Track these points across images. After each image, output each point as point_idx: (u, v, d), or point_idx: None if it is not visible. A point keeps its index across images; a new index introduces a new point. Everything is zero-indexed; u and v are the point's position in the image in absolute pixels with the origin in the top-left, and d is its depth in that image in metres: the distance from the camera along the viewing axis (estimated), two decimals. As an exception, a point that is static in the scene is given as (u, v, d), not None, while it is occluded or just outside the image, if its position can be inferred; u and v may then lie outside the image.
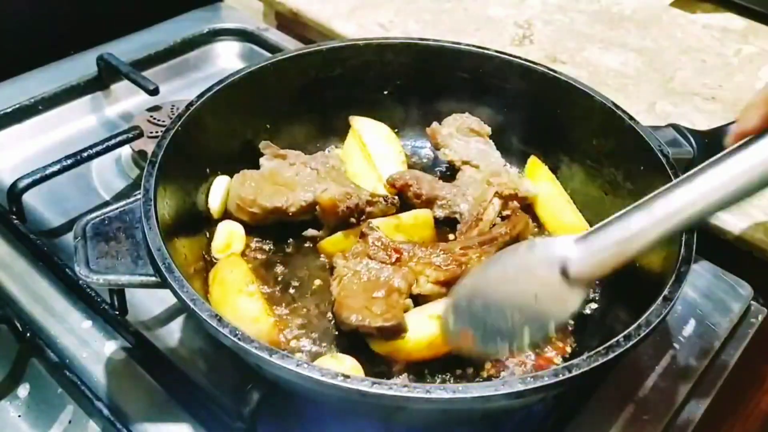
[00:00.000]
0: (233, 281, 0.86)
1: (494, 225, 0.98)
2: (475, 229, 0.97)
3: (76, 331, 0.90)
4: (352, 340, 0.85)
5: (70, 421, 0.84)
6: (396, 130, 1.15)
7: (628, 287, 0.89)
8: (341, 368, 0.80)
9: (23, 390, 0.88)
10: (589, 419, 0.85)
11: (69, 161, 1.05)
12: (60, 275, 0.95)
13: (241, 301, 0.84)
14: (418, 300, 0.88)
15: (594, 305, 0.93)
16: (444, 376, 0.84)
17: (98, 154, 1.08)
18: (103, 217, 0.82)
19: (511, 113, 1.09)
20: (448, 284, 0.87)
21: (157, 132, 1.15)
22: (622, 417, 0.85)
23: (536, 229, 1.03)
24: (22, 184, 1.01)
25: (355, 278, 0.86)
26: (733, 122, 0.93)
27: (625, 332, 0.70)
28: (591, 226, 1.00)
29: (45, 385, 0.87)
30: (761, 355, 1.05)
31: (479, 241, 0.92)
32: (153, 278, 0.76)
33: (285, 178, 0.99)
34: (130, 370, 0.86)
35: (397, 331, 0.80)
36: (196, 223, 0.95)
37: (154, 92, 1.20)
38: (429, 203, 1.01)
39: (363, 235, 0.90)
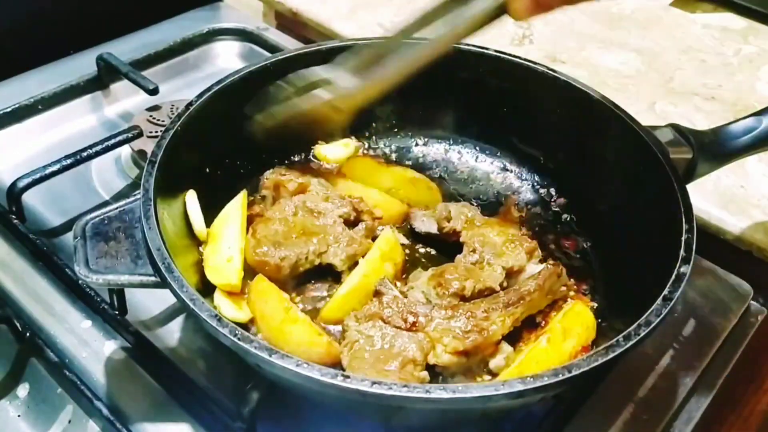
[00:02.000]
0: (272, 313, 0.83)
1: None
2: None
3: (75, 330, 0.90)
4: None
5: (69, 421, 0.84)
6: (395, 130, 1.15)
7: (628, 287, 0.89)
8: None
9: (23, 390, 0.88)
10: (589, 419, 0.85)
11: (69, 161, 1.05)
12: (60, 275, 0.95)
13: (289, 331, 0.82)
14: (435, 370, 0.82)
15: (594, 305, 0.93)
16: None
17: (98, 153, 1.08)
18: (102, 216, 0.82)
19: (511, 113, 1.09)
20: (467, 354, 0.81)
21: (156, 132, 1.15)
22: (622, 417, 0.85)
23: (571, 280, 0.94)
24: (21, 183, 1.01)
25: (367, 345, 0.79)
26: (733, 122, 0.94)
27: (625, 332, 0.70)
28: (589, 225, 1.01)
29: (45, 384, 0.87)
30: (761, 355, 1.05)
31: (505, 301, 0.84)
32: (153, 278, 0.76)
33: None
34: (129, 369, 0.86)
35: None
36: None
37: (153, 92, 1.20)
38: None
39: (377, 294, 0.84)
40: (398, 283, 0.89)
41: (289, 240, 0.91)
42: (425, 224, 1.00)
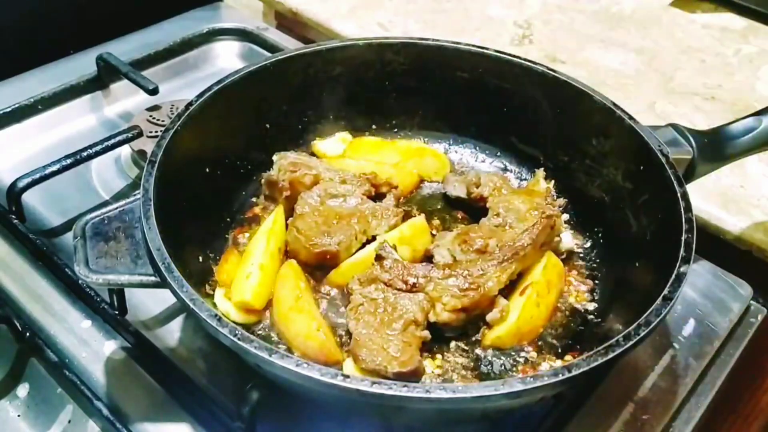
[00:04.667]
0: (284, 297, 0.86)
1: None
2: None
3: (75, 330, 0.90)
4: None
5: (69, 421, 0.84)
6: (395, 130, 1.15)
7: (628, 287, 0.89)
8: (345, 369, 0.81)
9: (23, 390, 0.88)
10: (589, 419, 0.85)
11: (68, 161, 1.05)
12: (59, 275, 0.95)
13: (293, 318, 0.84)
14: (436, 327, 0.85)
15: (593, 305, 0.93)
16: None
17: (98, 153, 1.08)
18: (102, 216, 0.82)
19: (511, 113, 1.09)
20: (466, 311, 0.85)
21: (156, 132, 1.15)
22: (622, 417, 0.85)
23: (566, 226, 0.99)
24: (21, 183, 1.01)
25: (371, 307, 0.84)
26: (732, 122, 0.94)
27: (625, 332, 0.70)
28: (589, 225, 1.02)
29: (44, 384, 0.87)
30: (761, 354, 1.05)
31: (500, 258, 0.87)
32: (152, 278, 0.76)
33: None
34: (129, 369, 0.86)
35: (413, 374, 0.79)
36: (197, 222, 0.94)
37: (153, 92, 1.20)
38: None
39: (379, 258, 0.87)
40: (397, 247, 0.91)
41: (333, 227, 0.94)
42: (456, 189, 1.05)
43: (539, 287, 0.88)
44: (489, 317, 0.86)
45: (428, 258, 0.95)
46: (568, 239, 0.99)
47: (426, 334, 0.84)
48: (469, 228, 0.95)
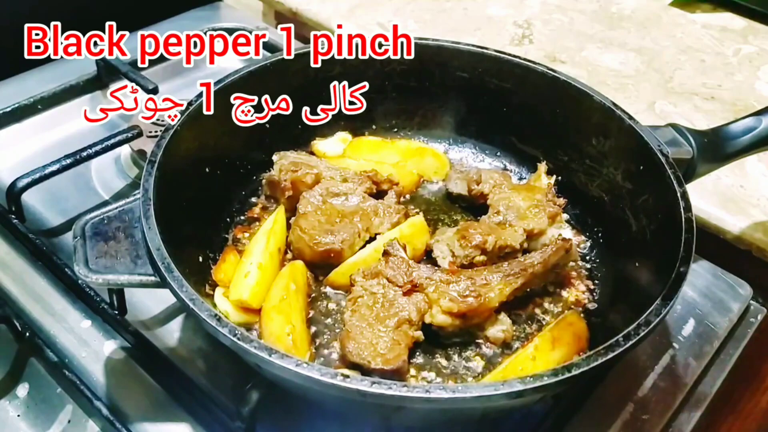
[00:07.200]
0: (272, 295, 0.86)
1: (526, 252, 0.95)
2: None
3: (75, 330, 0.90)
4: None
5: (69, 421, 0.84)
6: (395, 130, 1.15)
7: (628, 287, 0.89)
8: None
9: (22, 389, 0.88)
10: (588, 419, 0.85)
11: (68, 161, 1.05)
12: (59, 275, 0.95)
13: (271, 317, 0.84)
14: (431, 329, 0.86)
15: (594, 305, 0.93)
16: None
17: (97, 153, 1.08)
18: (102, 216, 0.82)
19: (511, 113, 1.09)
20: (463, 316, 0.84)
21: (156, 131, 1.15)
22: (622, 417, 0.85)
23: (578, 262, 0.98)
24: (21, 183, 1.01)
25: (369, 301, 0.84)
26: (732, 122, 0.94)
27: (625, 332, 0.70)
28: (588, 225, 1.02)
29: (44, 384, 0.87)
30: (760, 354, 1.05)
31: (506, 271, 0.87)
32: (152, 278, 0.76)
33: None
34: (129, 369, 0.86)
35: (396, 373, 0.79)
36: (197, 222, 0.94)
37: (153, 91, 1.20)
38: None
39: (386, 254, 0.88)
40: (407, 247, 0.91)
41: (336, 225, 0.94)
42: (458, 186, 1.05)
43: (542, 342, 0.84)
44: (490, 334, 0.86)
45: (428, 254, 0.95)
46: (569, 236, 0.99)
47: (419, 334, 0.84)
48: (469, 224, 0.96)
